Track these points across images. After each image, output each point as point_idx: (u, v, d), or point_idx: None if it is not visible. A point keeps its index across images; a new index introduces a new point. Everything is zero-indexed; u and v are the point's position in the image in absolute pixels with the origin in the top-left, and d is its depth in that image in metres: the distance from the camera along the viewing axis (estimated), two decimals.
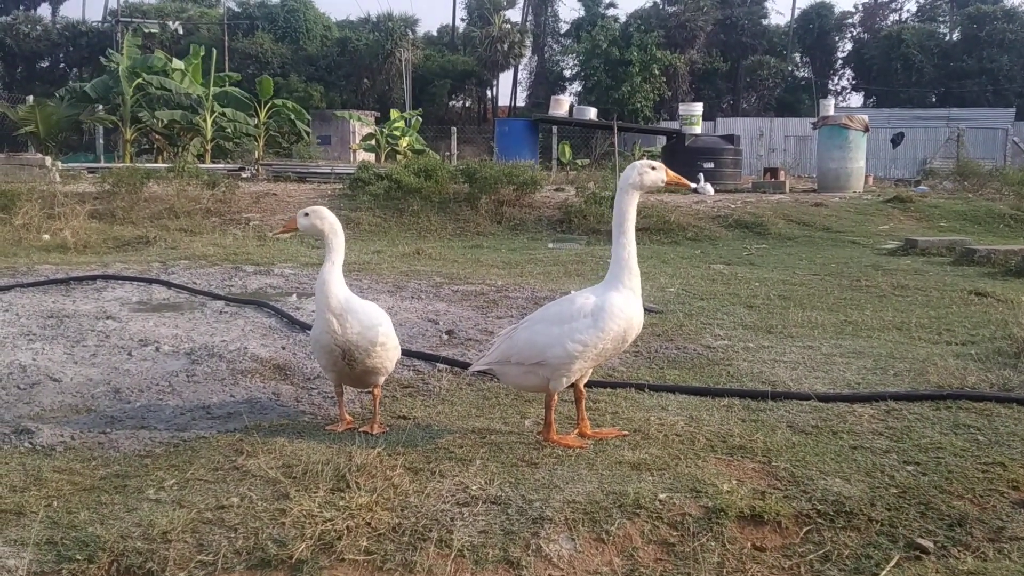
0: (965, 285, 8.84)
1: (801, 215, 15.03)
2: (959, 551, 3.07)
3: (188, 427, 4.07)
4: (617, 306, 3.69)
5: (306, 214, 4.10)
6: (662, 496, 3.33)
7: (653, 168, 3.84)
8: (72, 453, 3.71)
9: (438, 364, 5.30)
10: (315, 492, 3.22)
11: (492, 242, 13.30)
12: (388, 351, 4.11)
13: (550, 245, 12.63)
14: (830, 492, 3.43)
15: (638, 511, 3.23)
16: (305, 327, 6.22)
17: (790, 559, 3.05)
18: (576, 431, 3.98)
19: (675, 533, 3.13)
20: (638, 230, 14.81)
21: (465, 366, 5.18)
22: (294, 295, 7.59)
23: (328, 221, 4.10)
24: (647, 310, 7.52)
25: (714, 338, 6.28)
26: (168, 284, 7.82)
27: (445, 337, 6.16)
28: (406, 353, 5.42)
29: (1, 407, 4.32)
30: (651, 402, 4.56)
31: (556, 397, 3.85)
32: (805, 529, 3.21)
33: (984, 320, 6.88)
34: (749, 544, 3.14)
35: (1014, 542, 3.13)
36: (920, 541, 3.12)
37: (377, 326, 4.04)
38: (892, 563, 2.96)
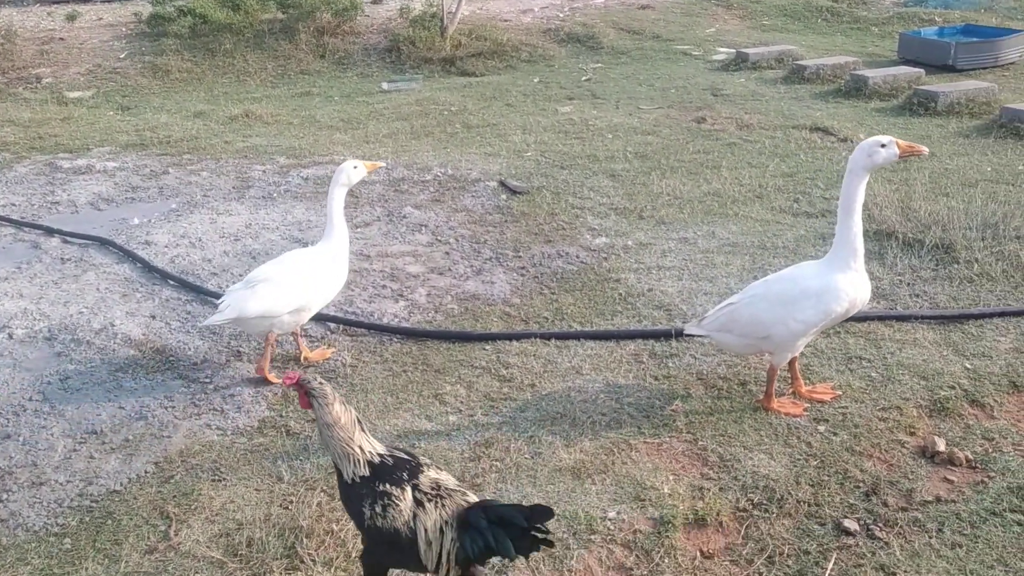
0: (804, 118, 9.14)
1: (630, 22, 14.81)
2: (880, 528, 3.36)
3: (92, 476, 3.78)
4: (842, 288, 3.78)
5: None
6: (611, 514, 3.43)
7: (883, 146, 3.72)
8: None
9: (328, 324, 5.08)
10: None
11: (321, 85, 12.47)
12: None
13: (384, 86, 11.96)
14: (759, 476, 3.63)
15: (592, 536, 3.32)
16: (166, 275, 5.76)
17: (737, 564, 3.25)
18: (791, 391, 4.15)
19: (631, 556, 3.26)
20: (472, 56, 14.05)
21: (361, 325, 4.99)
22: (135, 218, 6.94)
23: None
24: (512, 189, 7.43)
25: (591, 234, 6.29)
26: None
27: None
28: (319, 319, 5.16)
29: None
30: (564, 362, 4.57)
31: (778, 371, 4.00)
32: (745, 526, 3.42)
33: (835, 176, 7.17)
34: (697, 552, 3.32)
35: (925, 507, 3.46)
36: (846, 524, 3.39)
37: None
38: (831, 563, 3.21)
